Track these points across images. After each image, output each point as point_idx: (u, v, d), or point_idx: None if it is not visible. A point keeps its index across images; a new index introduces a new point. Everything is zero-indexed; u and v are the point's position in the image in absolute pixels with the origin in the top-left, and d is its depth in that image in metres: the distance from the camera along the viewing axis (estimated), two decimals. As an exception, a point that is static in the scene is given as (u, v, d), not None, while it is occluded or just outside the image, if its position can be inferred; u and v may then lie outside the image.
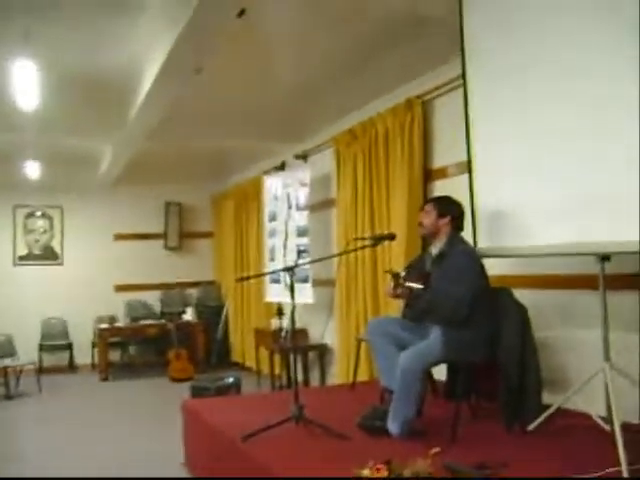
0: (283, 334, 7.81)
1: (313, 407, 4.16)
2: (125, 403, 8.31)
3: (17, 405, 8.33)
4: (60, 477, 4.09)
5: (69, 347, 11.02)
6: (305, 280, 7.49)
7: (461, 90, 4.87)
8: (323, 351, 7.77)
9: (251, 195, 9.99)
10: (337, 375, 7.25)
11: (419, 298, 4.03)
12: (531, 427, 3.83)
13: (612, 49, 3.52)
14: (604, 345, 3.64)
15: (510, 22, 4.26)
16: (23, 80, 5.79)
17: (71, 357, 11.05)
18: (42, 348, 10.80)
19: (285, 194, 8.25)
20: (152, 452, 5.75)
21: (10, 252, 11.13)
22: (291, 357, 7.49)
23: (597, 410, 3.76)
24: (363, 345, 6.02)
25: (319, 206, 7.90)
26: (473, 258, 4.05)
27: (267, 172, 9.15)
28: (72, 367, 11.01)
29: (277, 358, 8.16)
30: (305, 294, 7.44)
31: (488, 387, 4.19)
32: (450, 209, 4.17)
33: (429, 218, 4.16)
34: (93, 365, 10.89)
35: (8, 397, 8.54)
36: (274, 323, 8.18)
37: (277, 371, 8.16)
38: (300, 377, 7.43)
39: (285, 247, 8.09)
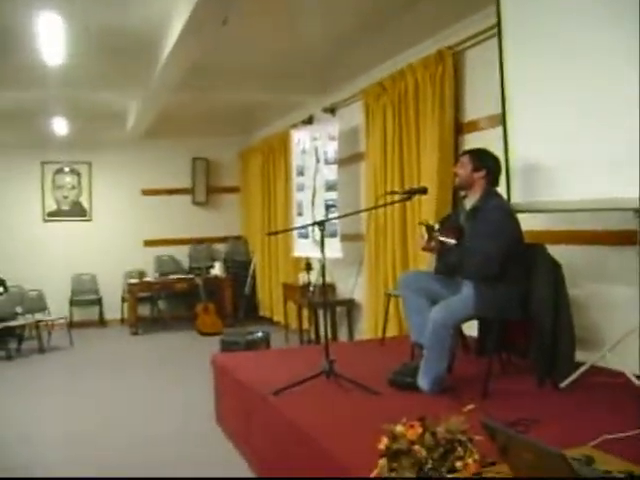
0: (311, 289, 7.81)
1: (343, 362, 4.15)
2: (155, 357, 8.42)
3: (50, 358, 8.45)
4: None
5: (99, 302, 11.15)
6: (334, 235, 7.44)
7: (493, 41, 4.76)
8: (351, 306, 7.76)
9: (278, 149, 9.91)
10: (365, 330, 7.25)
11: (450, 252, 3.97)
12: (563, 384, 3.79)
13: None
14: (640, 302, 3.57)
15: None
16: (49, 34, 5.74)
17: (101, 312, 11.18)
18: (72, 303, 10.94)
19: (313, 148, 8.17)
20: (185, 406, 5.81)
21: (39, 209, 11.20)
22: (320, 312, 7.50)
23: (631, 368, 3.71)
24: (392, 300, 6.00)
25: (348, 160, 7.82)
26: (507, 213, 3.96)
27: (295, 126, 9.06)
28: (102, 322, 11.15)
29: (305, 313, 8.18)
30: (333, 249, 7.39)
31: (520, 343, 4.15)
32: (486, 163, 4.07)
33: (464, 170, 4.07)
34: (122, 320, 11.03)
35: (41, 350, 8.68)
36: (302, 278, 8.18)
37: (305, 326, 8.18)
38: (328, 332, 7.44)
39: (313, 202, 8.03)
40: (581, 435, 2.85)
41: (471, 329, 4.52)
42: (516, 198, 4.40)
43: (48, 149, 10.94)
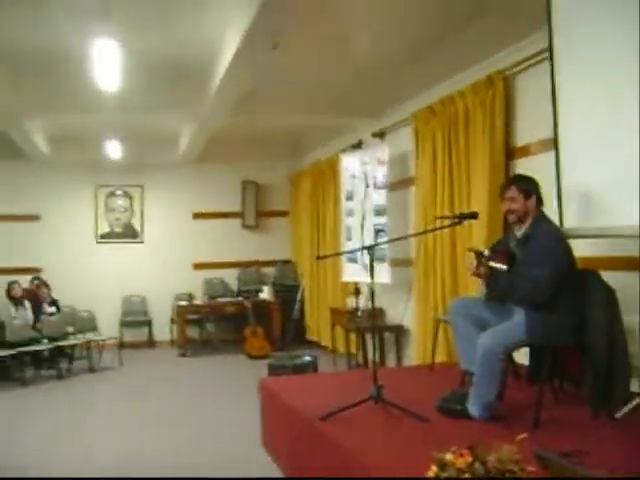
0: (359, 313, 7.77)
1: (391, 388, 4.10)
2: (203, 379, 8.45)
3: (100, 378, 8.57)
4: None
5: (149, 323, 11.28)
6: (382, 259, 7.41)
7: (544, 65, 4.72)
8: (399, 332, 7.70)
9: (328, 174, 9.94)
10: (414, 357, 7.18)
11: (501, 278, 3.91)
12: (619, 414, 3.69)
13: None
14: (699, 331, 3.46)
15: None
16: (104, 59, 5.87)
17: (150, 333, 11.30)
18: (123, 324, 11.08)
19: (362, 173, 8.17)
20: (231, 429, 5.82)
21: (92, 230, 11.42)
22: (368, 337, 7.46)
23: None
24: (441, 326, 5.93)
25: (397, 185, 7.80)
26: (558, 238, 3.89)
27: (344, 150, 9.08)
28: (151, 343, 11.26)
29: (353, 337, 8.13)
30: (382, 274, 7.36)
31: (573, 371, 4.05)
32: (532, 187, 4.00)
33: (517, 203, 3.97)
34: (172, 341, 11.12)
35: (91, 370, 8.79)
36: (350, 302, 8.15)
37: (353, 350, 8.14)
38: (376, 357, 7.39)
39: (362, 226, 8.02)
40: (637, 467, 2.76)
41: (521, 356, 4.44)
42: (569, 223, 4.33)
43: (102, 172, 11.20)
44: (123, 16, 5.44)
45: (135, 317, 11.20)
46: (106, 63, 6.00)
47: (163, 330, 11.29)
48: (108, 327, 10.09)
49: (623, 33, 3.86)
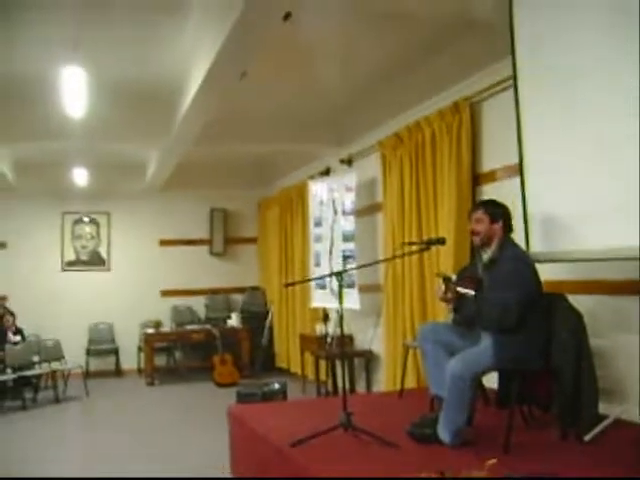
0: (329, 340, 7.75)
1: (361, 414, 4.09)
2: (171, 408, 8.34)
3: (65, 409, 8.41)
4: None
5: (115, 352, 11.13)
6: (351, 285, 7.42)
7: (509, 92, 4.79)
8: (369, 358, 7.69)
9: (296, 200, 9.96)
10: (383, 382, 7.17)
11: (468, 303, 3.93)
12: (587, 437, 3.71)
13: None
14: (665, 353, 3.50)
15: (562, 24, 4.15)
16: (72, 87, 5.85)
17: (117, 362, 11.15)
18: (89, 352, 10.92)
19: (330, 199, 8.20)
20: (200, 457, 5.74)
21: (58, 258, 11.28)
22: (337, 363, 7.44)
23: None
24: (411, 352, 5.93)
25: (365, 211, 7.84)
26: (524, 262, 3.92)
27: (312, 177, 9.11)
28: (118, 371, 11.11)
29: (322, 364, 8.10)
30: (351, 300, 7.37)
31: (542, 394, 4.07)
32: (500, 212, 4.05)
33: (482, 225, 4.02)
34: (139, 370, 10.98)
35: (57, 400, 8.63)
36: (319, 329, 8.13)
37: (323, 377, 8.10)
38: (346, 384, 7.36)
39: (331, 252, 8.02)
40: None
41: (491, 381, 4.45)
42: (535, 248, 4.38)
43: (68, 199, 11.10)
44: (92, 45, 5.44)
45: (102, 345, 11.04)
46: (73, 90, 5.97)
47: (130, 358, 11.15)
48: (74, 356, 9.90)
49: (588, 62, 3.94)
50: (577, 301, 4.00)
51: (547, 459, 3.45)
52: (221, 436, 5.30)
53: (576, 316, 3.90)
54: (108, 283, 11.31)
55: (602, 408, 3.90)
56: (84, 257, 11.42)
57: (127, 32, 5.34)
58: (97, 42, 5.43)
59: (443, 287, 4.02)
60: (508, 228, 4.06)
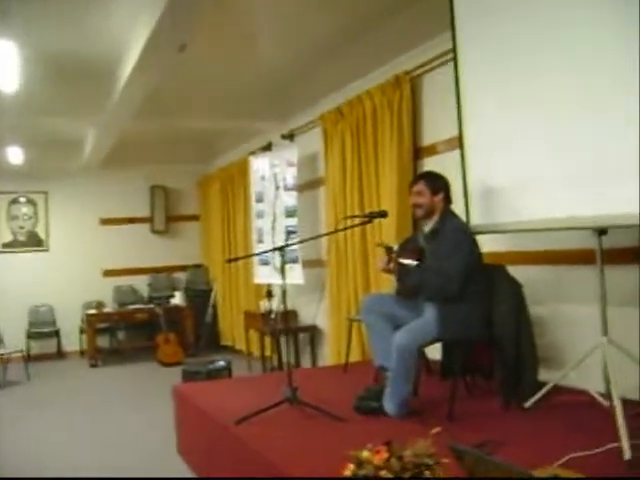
0: (273, 316, 7.75)
1: (306, 389, 4.09)
2: (115, 388, 8.25)
3: (6, 394, 8.24)
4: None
5: (57, 334, 10.93)
6: (295, 261, 7.41)
7: (449, 66, 4.82)
8: (314, 333, 7.72)
9: (238, 177, 9.89)
10: (328, 356, 7.21)
11: (411, 274, 3.96)
12: (528, 404, 3.79)
13: (598, 23, 3.48)
14: (602, 320, 3.58)
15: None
16: (3, 61, 5.66)
17: (59, 344, 10.97)
18: (29, 335, 10.71)
19: (272, 175, 8.16)
20: (145, 438, 5.70)
21: (-5, 239, 11.00)
22: (282, 339, 7.45)
23: (594, 387, 3.72)
24: (355, 325, 5.97)
25: (307, 186, 7.82)
26: (465, 233, 3.97)
27: (253, 153, 9.04)
28: (60, 354, 10.93)
29: (267, 340, 8.11)
30: (295, 275, 7.37)
31: (484, 364, 4.15)
32: (441, 184, 4.07)
33: (424, 197, 4.04)
34: (81, 351, 10.82)
35: (-3, 385, 8.47)
36: (263, 305, 8.11)
37: (268, 353, 8.11)
38: (291, 359, 7.38)
39: (273, 228, 8.00)
40: (548, 455, 2.84)
41: (433, 352, 4.51)
42: (475, 220, 4.43)
43: (3, 179, 10.77)
44: (23, 17, 5.25)
45: (42, 328, 10.82)
46: (4, 64, 5.78)
47: (72, 340, 10.97)
48: (14, 339, 9.70)
49: (528, 34, 3.97)
50: (517, 271, 4.07)
51: (490, 427, 3.51)
52: (167, 416, 5.27)
53: (516, 287, 3.98)
54: (48, 264, 11.06)
55: (542, 375, 4.00)
56: (22, 238, 11.15)
57: (61, 4, 5.16)
58: (28, 14, 5.23)
59: (385, 258, 4.04)
60: (448, 199, 4.10)
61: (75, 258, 11.13)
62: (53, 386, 8.68)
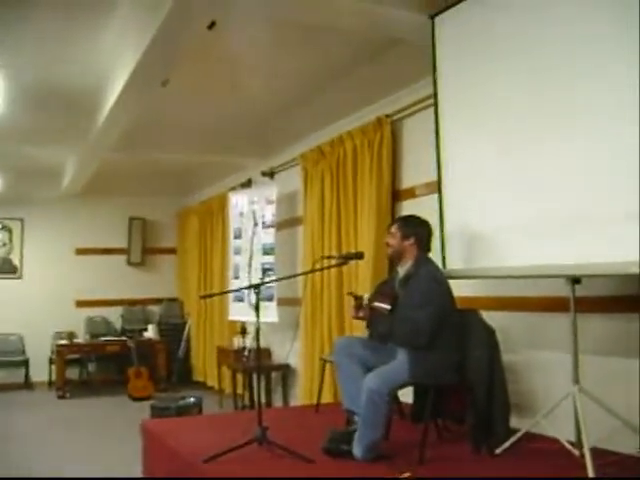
0: (246, 353, 7.68)
1: (277, 429, 4.06)
2: (83, 422, 8.09)
3: (-30, 423, 8.08)
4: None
5: (25, 363, 10.73)
6: (270, 299, 7.39)
7: (430, 110, 4.87)
8: (286, 372, 7.66)
9: (216, 212, 9.89)
10: (300, 396, 7.14)
11: (382, 320, 3.97)
12: (499, 450, 3.78)
13: (576, 67, 3.56)
14: (574, 368, 3.60)
15: (481, 44, 4.26)
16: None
17: (27, 374, 10.76)
18: (-3, 364, 10.52)
19: (251, 211, 8.16)
20: (111, 473, 5.58)
21: (-33, 265, 10.85)
22: (254, 377, 7.38)
23: (565, 435, 3.72)
24: (328, 366, 5.93)
25: (285, 224, 7.83)
26: (438, 281, 3.95)
27: (233, 189, 9.05)
28: (28, 384, 10.72)
29: (240, 378, 8.03)
30: (269, 313, 7.34)
31: (456, 409, 4.13)
32: (415, 230, 4.08)
33: (394, 239, 4.09)
34: (50, 382, 10.62)
35: (-39, 414, 8.29)
36: (237, 342, 8.05)
37: (239, 391, 8.03)
38: (263, 398, 7.31)
39: (250, 265, 7.97)
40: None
41: (406, 395, 4.49)
42: (451, 264, 4.44)
43: (-21, 205, 10.67)
44: (6, 45, 5.26)
45: (11, 357, 10.62)
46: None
47: (41, 371, 10.75)
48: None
49: (507, 83, 4.04)
50: (490, 317, 4.08)
51: (460, 472, 3.50)
52: (134, 451, 5.18)
53: (489, 332, 3.99)
54: (20, 292, 10.90)
55: (513, 422, 3.99)
56: (-5, 264, 11.02)
57: (46, 31, 5.16)
58: (13, 44, 5.24)
59: (353, 304, 4.07)
60: (426, 247, 4.11)
61: (48, 287, 10.99)
62: (19, 417, 8.51)
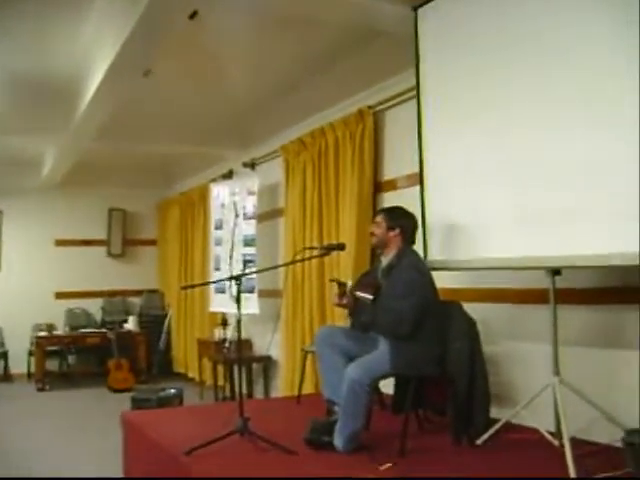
0: (227, 345, 7.67)
1: (258, 420, 4.05)
2: (62, 414, 8.05)
3: (-52, 415, 8.01)
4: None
5: (4, 356, 10.65)
6: (251, 290, 7.38)
7: (412, 102, 4.86)
8: (268, 363, 7.66)
9: (197, 203, 9.85)
10: (282, 388, 7.15)
11: (364, 309, 3.97)
12: (479, 441, 3.80)
13: (565, 58, 3.56)
14: (554, 359, 3.63)
15: (464, 36, 4.26)
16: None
17: (6, 366, 10.67)
18: (-25, 356, 10.43)
19: (232, 202, 8.13)
20: (92, 466, 5.56)
21: (-55, 257, 10.74)
22: (235, 368, 7.37)
23: (545, 425, 3.75)
24: (309, 357, 5.93)
25: (267, 215, 7.81)
26: (420, 271, 3.96)
27: (214, 180, 9.02)
28: (7, 376, 10.64)
29: (220, 369, 8.02)
30: (251, 304, 7.33)
31: (437, 400, 4.14)
32: (400, 222, 4.10)
33: (379, 229, 4.11)
34: (29, 374, 10.55)
35: (-62, 407, 8.22)
36: (218, 333, 8.03)
37: (220, 382, 8.02)
38: (244, 389, 7.30)
39: (231, 256, 7.95)
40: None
41: (387, 386, 4.50)
42: (433, 256, 4.46)
43: (-44, 197, 10.55)
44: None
45: (-11, 349, 10.57)
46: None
47: (20, 363, 10.67)
48: (-41, 360, 9.47)
49: (490, 75, 4.05)
50: (472, 309, 4.10)
51: (440, 463, 3.51)
52: (114, 443, 5.16)
53: (470, 323, 4.01)
54: (-1, 284, 10.84)
55: (494, 412, 4.01)
56: (-28, 256, 10.91)
57: (25, 21, 5.11)
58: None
59: (337, 291, 4.07)
60: (410, 238, 4.12)
61: (28, 279, 10.89)
62: (-3, 409, 8.47)
